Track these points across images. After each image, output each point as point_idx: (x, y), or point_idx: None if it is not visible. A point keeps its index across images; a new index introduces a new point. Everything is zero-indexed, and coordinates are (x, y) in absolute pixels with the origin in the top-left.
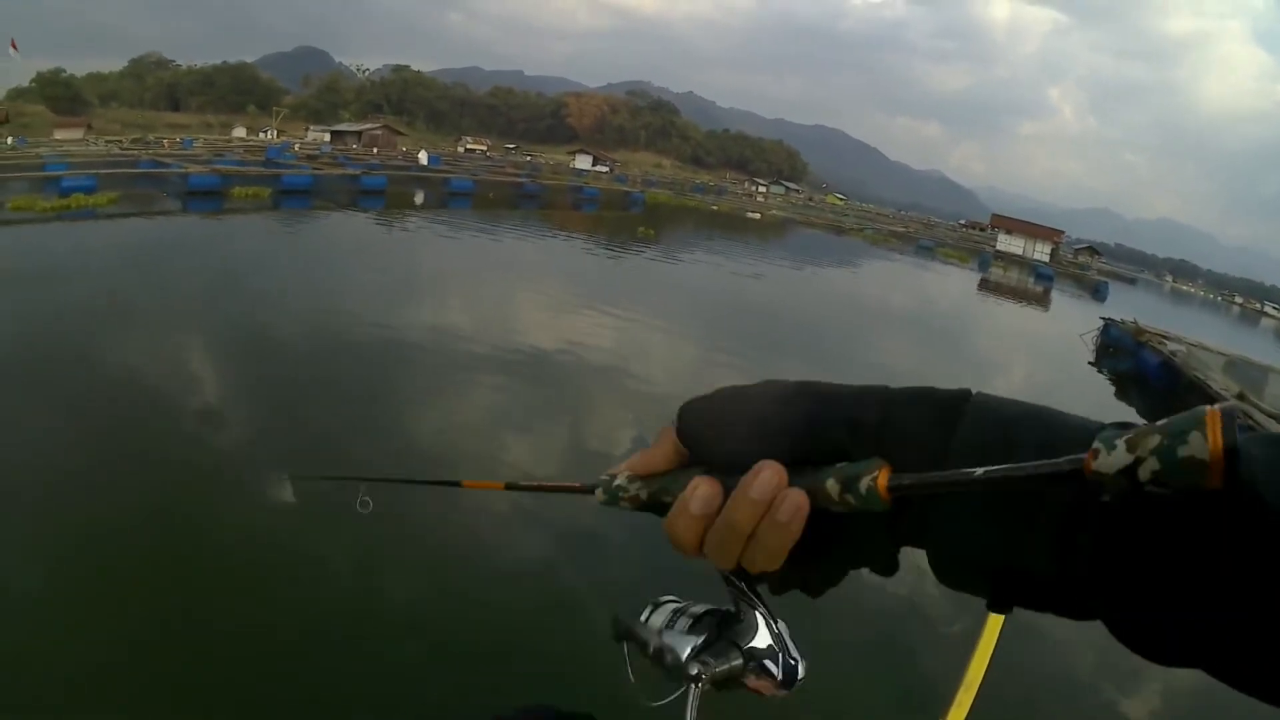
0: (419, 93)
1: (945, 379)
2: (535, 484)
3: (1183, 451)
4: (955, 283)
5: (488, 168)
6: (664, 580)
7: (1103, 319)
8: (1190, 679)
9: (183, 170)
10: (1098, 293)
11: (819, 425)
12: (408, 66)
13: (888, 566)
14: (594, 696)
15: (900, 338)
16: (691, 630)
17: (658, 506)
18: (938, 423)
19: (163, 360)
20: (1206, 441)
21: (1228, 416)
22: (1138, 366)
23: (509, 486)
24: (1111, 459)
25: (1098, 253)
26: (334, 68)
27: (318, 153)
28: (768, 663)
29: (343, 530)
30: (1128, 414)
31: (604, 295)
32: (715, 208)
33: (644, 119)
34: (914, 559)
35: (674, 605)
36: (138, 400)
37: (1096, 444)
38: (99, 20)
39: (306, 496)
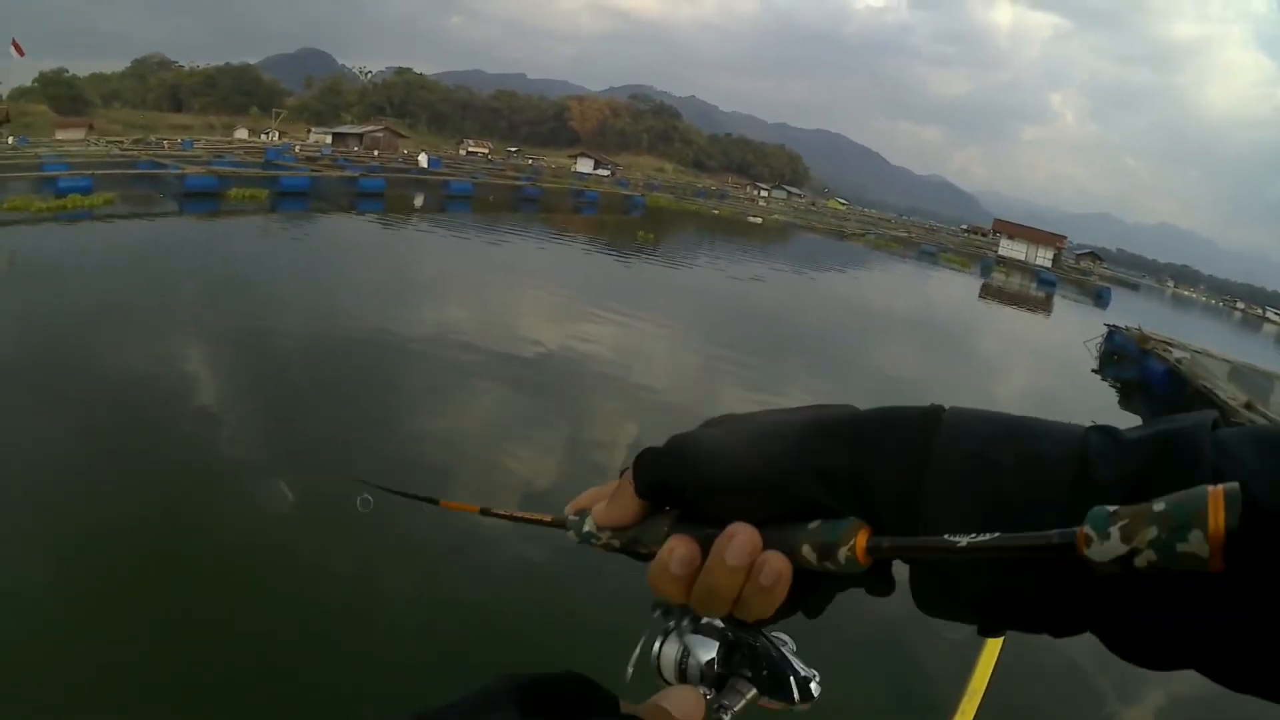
0: (421, 95)
1: (947, 386)
2: (510, 513)
3: (1182, 548)
4: (957, 288)
5: (488, 171)
6: None
7: (1106, 325)
8: (1192, 687)
9: (180, 171)
10: (1100, 298)
11: (791, 478)
12: (410, 69)
13: (883, 587)
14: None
15: (902, 344)
16: (687, 659)
17: (632, 554)
18: (910, 458)
19: (155, 362)
20: (1207, 537)
21: (1231, 502)
22: (1142, 374)
23: (484, 512)
24: (1105, 548)
25: (1100, 258)
26: (337, 70)
27: (318, 155)
28: (781, 686)
29: (343, 531)
30: (1131, 421)
31: (599, 300)
32: (716, 212)
33: (646, 123)
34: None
35: (668, 633)
36: (131, 402)
37: (1087, 529)
38: (102, 21)
39: (305, 498)
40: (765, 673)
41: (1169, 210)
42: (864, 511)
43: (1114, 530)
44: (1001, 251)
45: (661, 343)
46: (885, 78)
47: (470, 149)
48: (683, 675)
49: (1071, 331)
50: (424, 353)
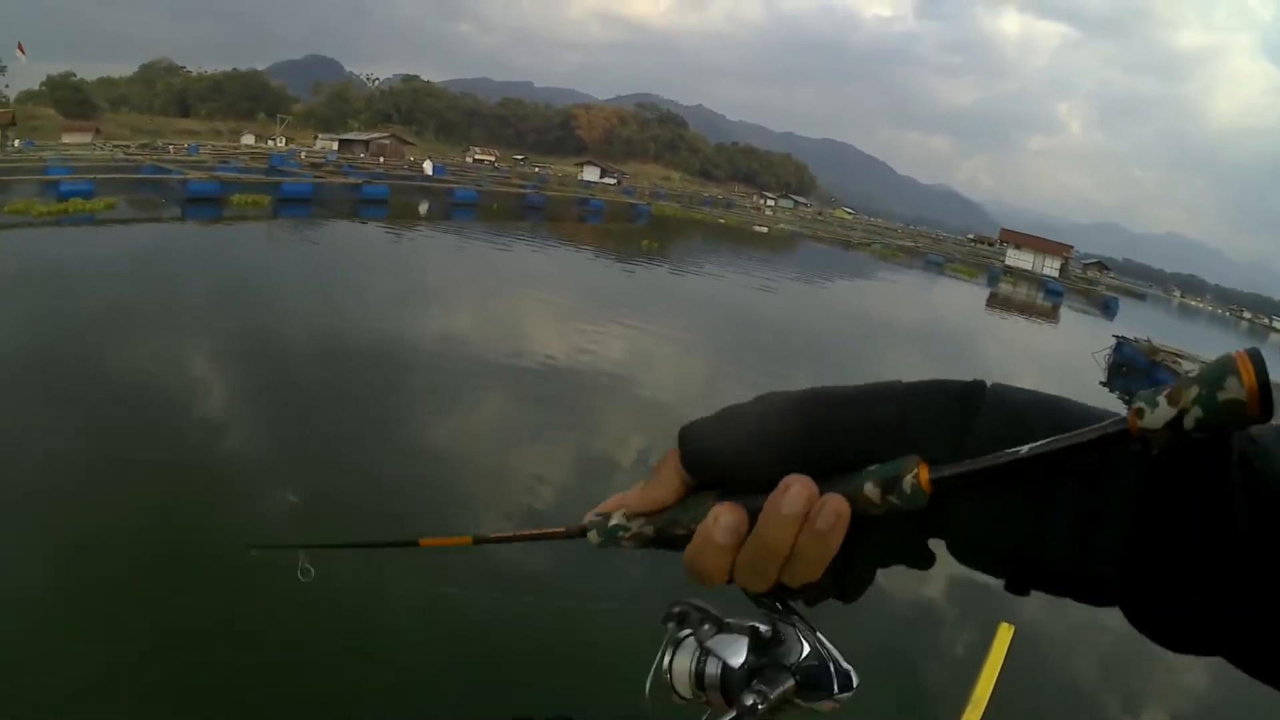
0: (429, 103)
1: None
2: (511, 534)
3: (1222, 396)
4: (964, 298)
5: (494, 178)
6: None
7: (1115, 337)
8: (1198, 689)
9: (183, 177)
10: (1108, 309)
11: (840, 431)
12: (418, 76)
13: (923, 559)
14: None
15: (910, 354)
16: (730, 654)
17: (668, 540)
18: (957, 414)
19: (151, 366)
20: (1242, 383)
21: (1255, 357)
22: (1152, 387)
23: (478, 541)
24: (1156, 415)
25: (1106, 268)
26: (344, 77)
27: (323, 161)
28: (821, 678)
29: (354, 532)
30: None
31: (597, 309)
32: (722, 221)
33: (653, 131)
34: (914, 574)
35: (690, 635)
36: (129, 405)
37: (1139, 403)
38: (110, 25)
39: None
40: (805, 661)
41: (1176, 220)
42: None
43: (1161, 399)
44: (1008, 261)
45: (661, 353)
46: (892, 87)
47: (477, 157)
48: (700, 685)
49: (1079, 342)
50: (416, 361)
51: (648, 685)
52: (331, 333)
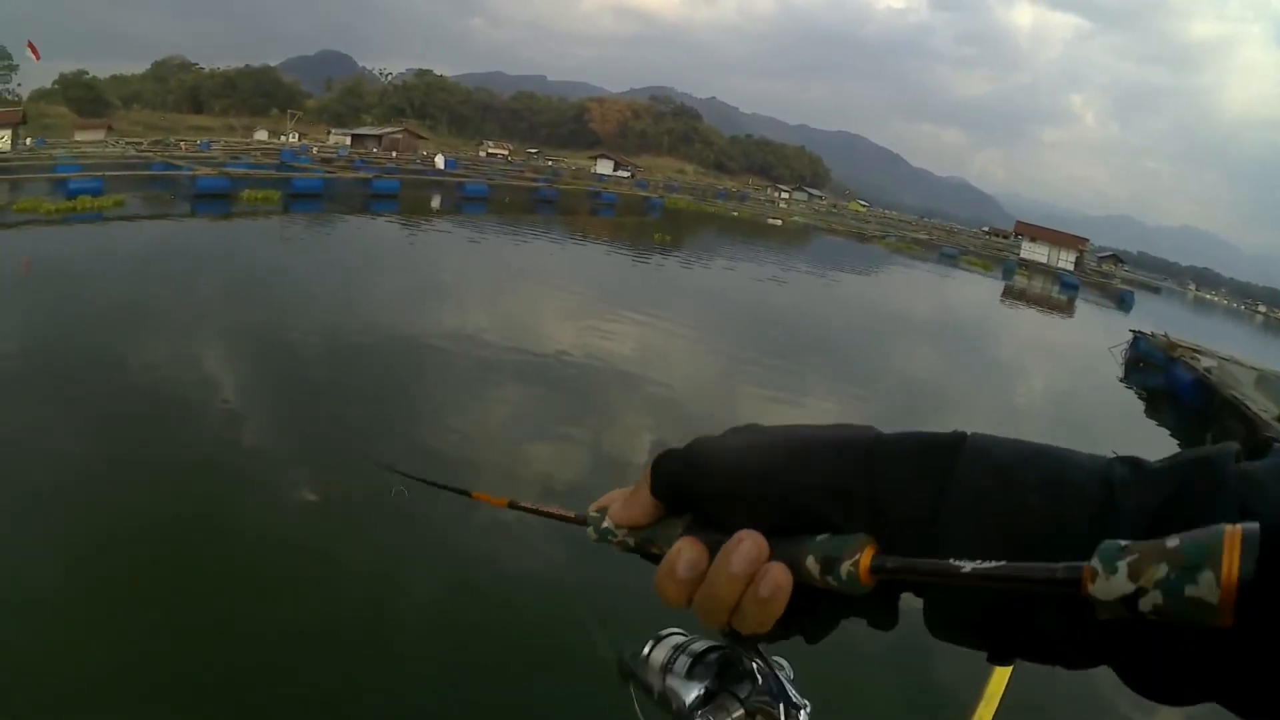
0: (441, 97)
1: (970, 393)
2: (536, 507)
3: (1190, 591)
4: (979, 291)
5: (506, 172)
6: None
7: (1132, 332)
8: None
9: (192, 173)
10: (1123, 302)
11: (805, 492)
12: (431, 71)
13: (884, 620)
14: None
15: (925, 348)
16: (692, 672)
17: (645, 554)
18: (932, 473)
19: (156, 365)
20: (1219, 581)
21: (1249, 544)
22: (1169, 383)
23: (512, 505)
24: (1110, 585)
25: (1121, 261)
26: (357, 72)
27: (335, 156)
28: (769, 710)
29: (361, 533)
30: (1158, 432)
31: (608, 301)
32: (736, 214)
33: (667, 124)
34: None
35: (677, 639)
36: (135, 401)
37: (1095, 563)
38: (123, 23)
39: (337, 489)
40: (755, 695)
41: (1190, 212)
42: (876, 532)
43: (1122, 565)
44: (1023, 254)
45: (670, 344)
46: (906, 79)
47: (490, 150)
48: (665, 701)
49: (1095, 336)
50: (414, 355)
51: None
52: (334, 327)
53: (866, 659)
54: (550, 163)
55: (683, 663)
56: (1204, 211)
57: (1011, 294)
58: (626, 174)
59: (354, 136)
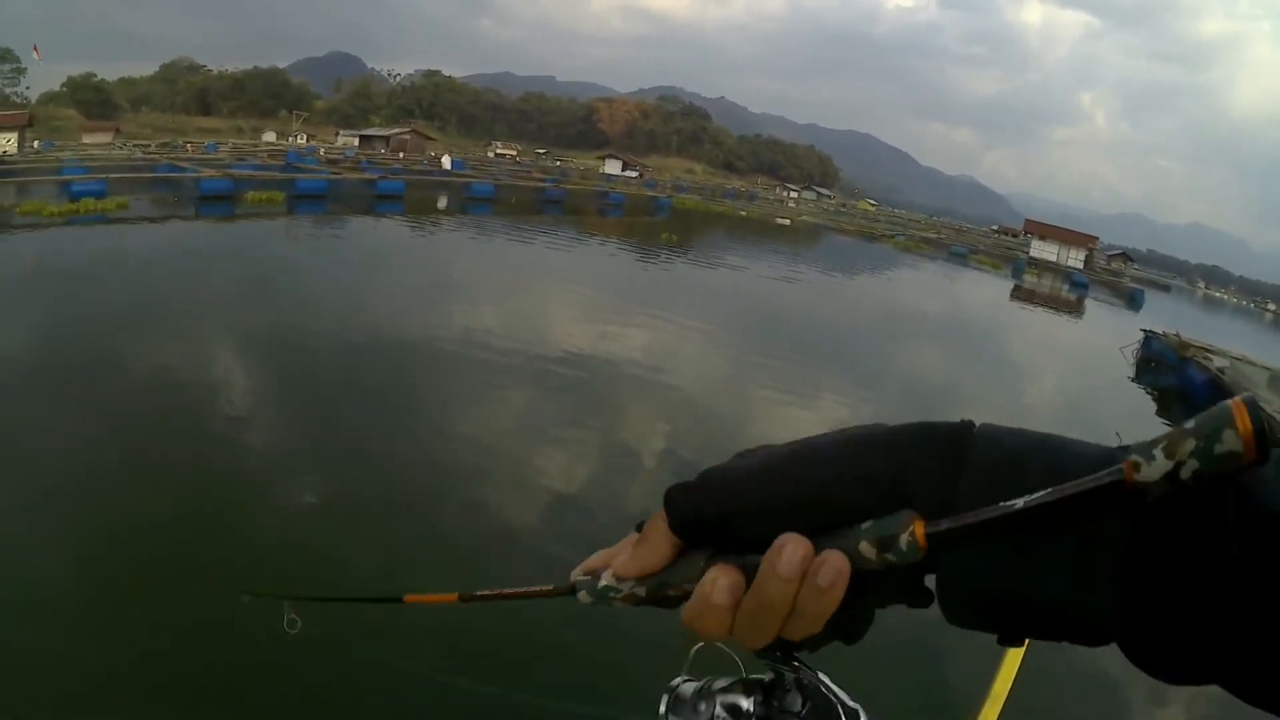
0: (450, 98)
1: (980, 391)
2: (497, 592)
3: (1219, 449)
4: (989, 290)
5: (514, 172)
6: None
7: (1143, 331)
8: (1219, 693)
9: (196, 175)
10: (1133, 301)
11: (834, 488)
12: (439, 71)
13: (922, 597)
14: None
15: (934, 348)
16: (734, 710)
17: (660, 600)
18: (946, 461)
19: (162, 363)
20: (1239, 434)
21: (1251, 406)
22: (1182, 383)
23: (464, 599)
24: (1153, 468)
25: (1131, 259)
26: (366, 73)
27: (341, 157)
28: (828, 718)
29: (368, 535)
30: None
31: (610, 304)
32: (744, 213)
33: (675, 124)
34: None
35: (693, 686)
36: (136, 402)
37: (1135, 456)
38: (131, 25)
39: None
40: (810, 705)
41: (1199, 210)
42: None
43: (1157, 452)
44: (1033, 253)
45: (678, 344)
46: (915, 78)
47: (499, 151)
48: None
49: (1105, 335)
50: (409, 355)
51: None
52: (333, 327)
53: (868, 660)
54: (559, 163)
55: (722, 705)
56: (1214, 209)
57: (1021, 293)
58: (635, 174)
59: (362, 138)
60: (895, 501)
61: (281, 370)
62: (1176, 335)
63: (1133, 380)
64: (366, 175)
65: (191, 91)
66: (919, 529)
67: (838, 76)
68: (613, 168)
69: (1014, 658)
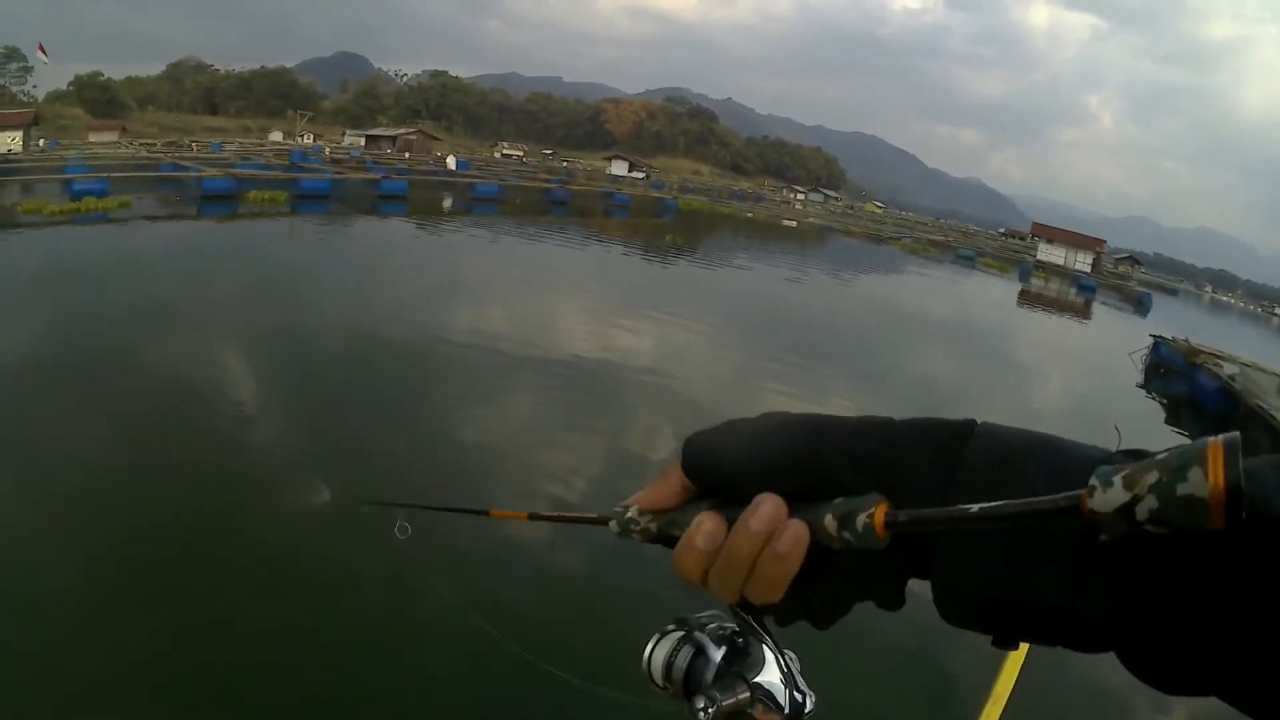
0: (457, 98)
1: (986, 395)
2: (557, 515)
3: (1182, 489)
4: (996, 293)
5: (520, 173)
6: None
7: (1152, 337)
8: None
9: (198, 174)
10: (1141, 305)
11: (818, 458)
12: (446, 72)
13: (892, 600)
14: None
15: (941, 351)
16: (701, 654)
17: (667, 540)
18: (942, 455)
19: (161, 363)
20: (1207, 478)
21: (1230, 449)
22: (1191, 390)
23: (532, 517)
24: (1108, 496)
25: (1138, 262)
26: (373, 73)
27: (345, 157)
28: (775, 696)
29: (375, 539)
30: (1179, 441)
31: (610, 306)
32: (750, 215)
33: (682, 125)
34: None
35: (678, 633)
36: (136, 403)
37: (1093, 480)
38: (138, 25)
39: (341, 511)
40: (762, 677)
41: (1206, 214)
42: (890, 499)
43: (1117, 479)
44: (1040, 256)
45: (685, 345)
46: (922, 79)
47: (505, 151)
48: (668, 676)
49: (1113, 339)
50: (405, 354)
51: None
52: (330, 329)
53: (871, 659)
54: (565, 164)
55: (694, 646)
56: (1221, 213)
57: (1028, 297)
58: (641, 175)
59: (368, 138)
60: (873, 485)
61: (280, 370)
62: (1186, 341)
63: (1141, 386)
64: (370, 175)
65: (198, 91)
66: (879, 513)
67: (844, 77)
68: (619, 169)
69: (1015, 660)
